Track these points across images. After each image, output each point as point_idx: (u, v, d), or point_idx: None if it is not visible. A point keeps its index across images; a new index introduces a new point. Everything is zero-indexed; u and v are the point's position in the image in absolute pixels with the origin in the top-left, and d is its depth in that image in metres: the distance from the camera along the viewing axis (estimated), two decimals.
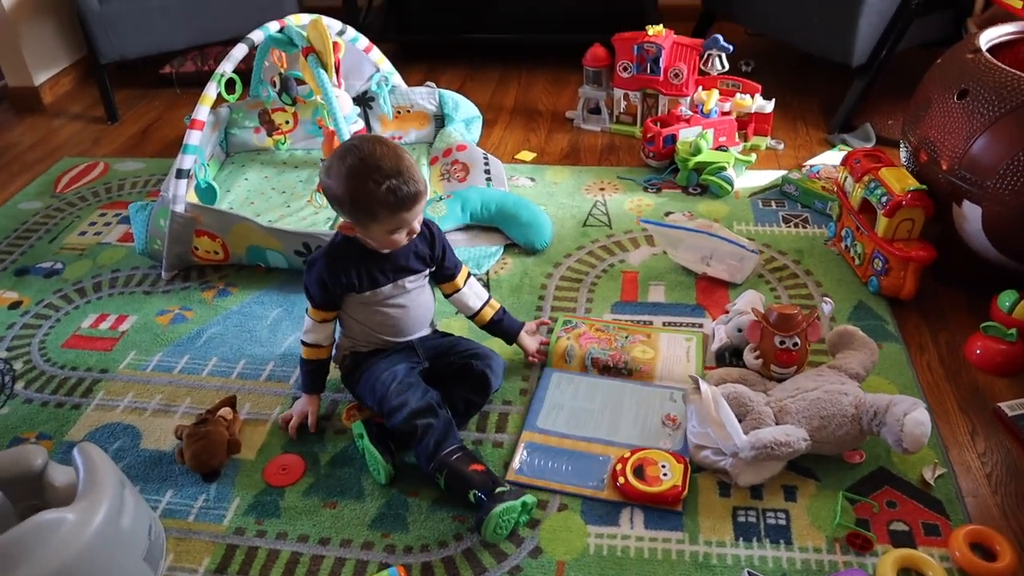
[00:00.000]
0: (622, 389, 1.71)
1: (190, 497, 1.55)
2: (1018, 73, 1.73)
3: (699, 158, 2.37)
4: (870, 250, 1.93)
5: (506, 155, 2.69)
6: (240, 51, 2.17)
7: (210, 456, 1.57)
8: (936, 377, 1.73)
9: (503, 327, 1.77)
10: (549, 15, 3.44)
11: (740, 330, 1.73)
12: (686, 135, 2.45)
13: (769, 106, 2.57)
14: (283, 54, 2.32)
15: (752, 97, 2.57)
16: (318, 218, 2.30)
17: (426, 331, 1.71)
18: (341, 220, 1.52)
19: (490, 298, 1.76)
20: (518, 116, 2.99)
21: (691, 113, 2.52)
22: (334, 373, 1.71)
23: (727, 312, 1.87)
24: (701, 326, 1.89)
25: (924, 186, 1.85)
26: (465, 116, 2.66)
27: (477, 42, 3.48)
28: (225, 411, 1.67)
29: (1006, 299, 1.78)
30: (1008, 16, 2.28)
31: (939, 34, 2.72)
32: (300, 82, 2.38)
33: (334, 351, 1.68)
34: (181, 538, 1.48)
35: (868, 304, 1.92)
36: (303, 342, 1.64)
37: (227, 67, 2.16)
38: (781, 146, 2.63)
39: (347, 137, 2.02)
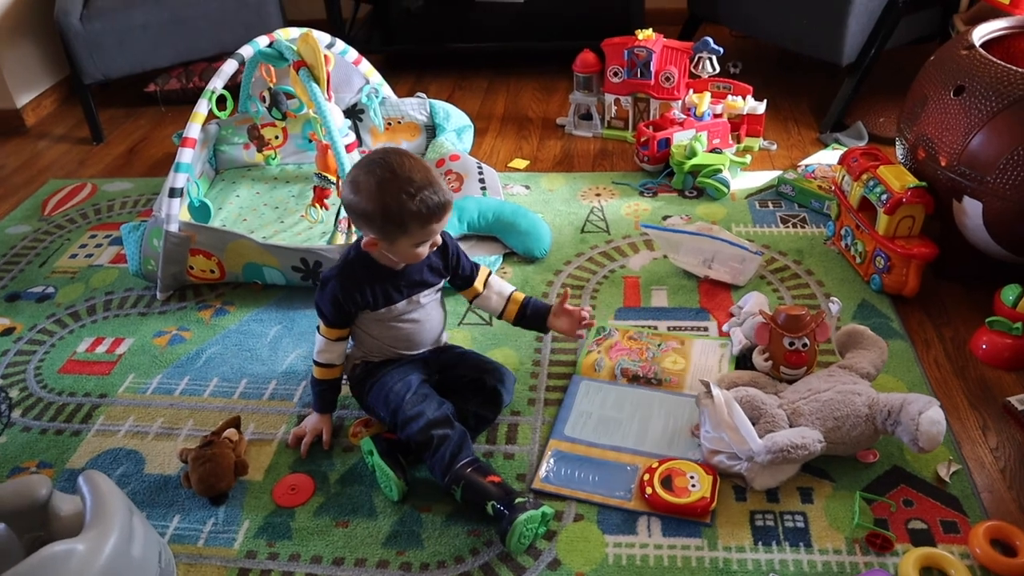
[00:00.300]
0: (651, 398, 1.69)
1: (198, 521, 1.52)
2: (1014, 68, 1.73)
3: (694, 161, 2.37)
4: (871, 248, 1.93)
5: (499, 163, 2.68)
6: (230, 67, 2.15)
7: (217, 479, 1.54)
8: (944, 373, 1.73)
9: (532, 322, 1.70)
10: (534, 23, 3.45)
11: None
12: (680, 138, 2.45)
13: (761, 107, 2.58)
14: (272, 68, 2.30)
15: (743, 99, 2.58)
16: (313, 233, 2.28)
17: (437, 343, 1.68)
18: (365, 238, 1.48)
19: (512, 293, 1.70)
20: (509, 124, 2.98)
21: (684, 116, 2.51)
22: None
23: (733, 315, 1.87)
24: (706, 329, 1.88)
25: (923, 183, 1.85)
26: (456, 126, 2.64)
27: (464, 51, 3.48)
28: (230, 432, 1.64)
29: (1009, 293, 1.78)
30: (993, 12, 2.30)
31: (926, 31, 2.74)
32: (289, 96, 2.35)
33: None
34: (192, 564, 1.45)
35: (871, 302, 1.92)
36: (316, 362, 1.61)
37: (218, 83, 2.13)
38: (774, 147, 2.64)
39: (343, 150, 2.00)
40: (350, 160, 2.13)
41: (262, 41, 2.17)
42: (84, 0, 2.97)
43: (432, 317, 1.63)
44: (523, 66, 3.42)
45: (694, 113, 2.52)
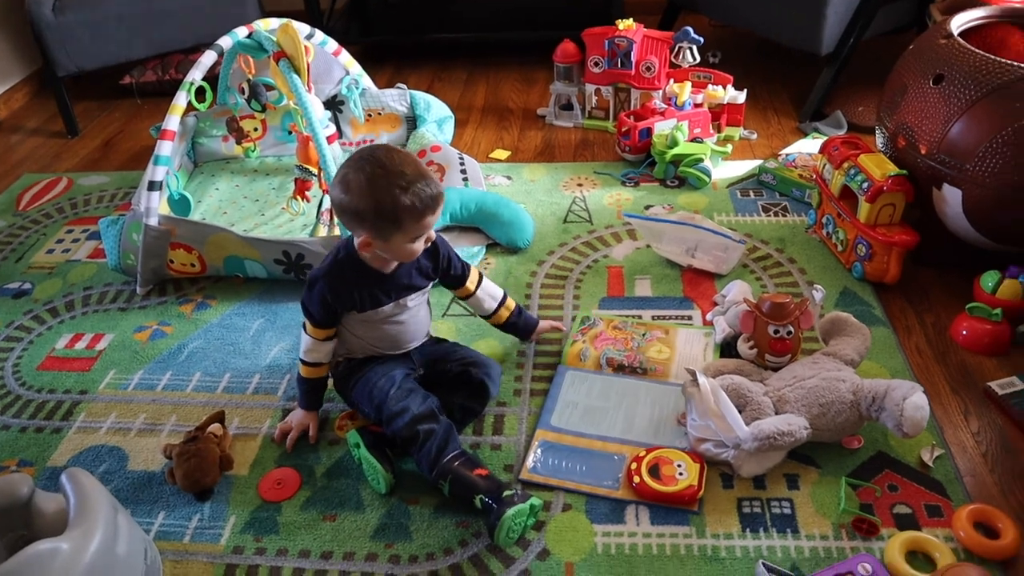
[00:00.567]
0: (637, 387, 1.70)
1: (184, 518, 1.51)
2: (993, 57, 1.75)
3: (676, 150, 2.37)
4: (853, 236, 1.95)
5: (480, 154, 2.67)
6: (209, 58, 2.12)
7: (203, 474, 1.53)
8: (925, 359, 1.75)
9: (519, 328, 1.78)
10: (514, 13, 3.44)
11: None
12: (661, 128, 2.45)
13: (741, 97, 2.58)
14: (251, 60, 2.27)
15: (724, 88, 2.58)
16: (294, 225, 2.26)
17: (422, 340, 1.68)
18: (358, 239, 1.46)
19: (505, 298, 1.74)
20: (489, 115, 2.97)
21: (665, 106, 2.52)
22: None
23: (716, 304, 1.88)
24: (690, 318, 1.88)
25: (904, 171, 1.87)
26: (437, 117, 2.63)
27: (443, 42, 3.46)
28: (215, 427, 1.63)
29: (988, 280, 1.81)
30: (970, 1, 2.32)
31: (904, 21, 2.76)
32: (268, 88, 2.33)
33: None
34: (178, 560, 1.43)
35: (853, 289, 1.93)
36: (303, 361, 1.59)
37: (196, 75, 2.10)
38: (754, 136, 2.65)
39: (324, 142, 1.98)
40: (332, 152, 2.12)
41: (241, 32, 2.14)
42: None
43: (418, 318, 1.63)
44: (503, 57, 3.41)
45: (675, 103, 2.52)
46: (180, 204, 2.17)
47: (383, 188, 1.37)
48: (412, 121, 2.65)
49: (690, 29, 2.57)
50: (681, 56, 2.62)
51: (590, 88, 2.74)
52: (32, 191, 2.66)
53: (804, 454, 1.52)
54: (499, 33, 3.38)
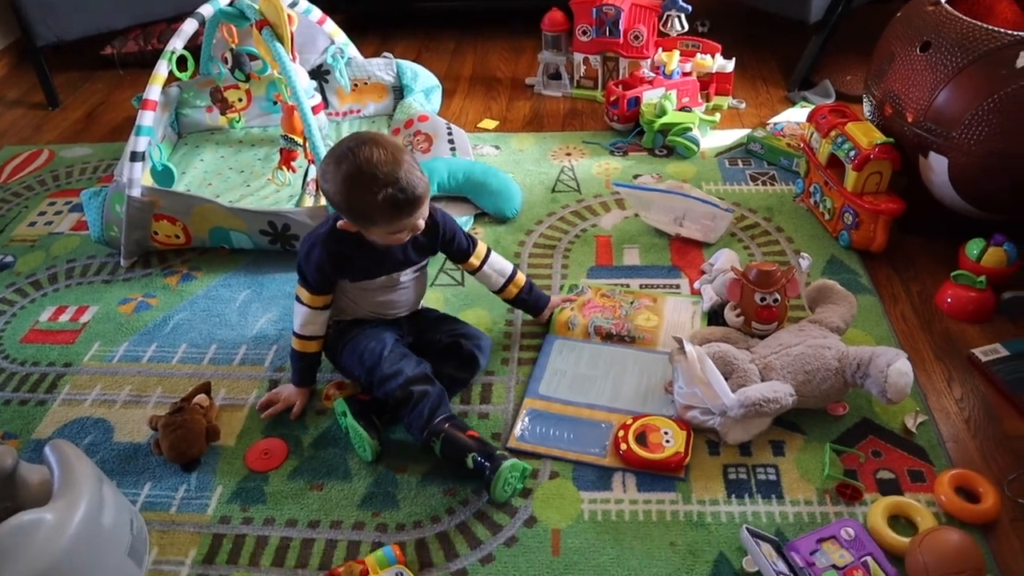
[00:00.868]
0: (625, 355, 1.70)
1: (170, 488, 1.51)
2: (979, 24, 1.74)
3: (664, 120, 2.36)
4: (840, 205, 1.95)
5: (468, 124, 2.65)
6: (190, 26, 2.09)
7: (189, 445, 1.53)
8: (910, 327, 1.76)
9: (528, 305, 1.76)
10: None
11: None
12: (650, 97, 2.44)
13: (730, 65, 2.57)
14: (233, 29, 2.24)
15: (712, 57, 2.57)
16: (280, 196, 2.24)
17: (413, 309, 1.67)
18: (341, 221, 1.45)
19: (515, 274, 1.71)
20: (477, 84, 2.94)
21: (653, 75, 2.50)
22: None
23: (704, 272, 1.88)
24: (678, 287, 1.88)
25: (891, 139, 1.86)
26: (424, 86, 2.60)
27: (430, 10, 3.42)
28: (200, 398, 1.62)
29: (974, 247, 1.81)
30: None
31: None
32: (253, 57, 2.30)
33: None
34: (165, 531, 1.43)
35: (840, 258, 1.94)
36: (299, 335, 1.57)
37: (177, 44, 2.07)
38: (743, 105, 2.63)
39: (309, 112, 1.95)
40: (317, 122, 2.09)
41: (222, 0, 2.11)
42: None
43: (412, 288, 1.62)
44: (491, 26, 3.37)
45: (663, 72, 2.50)
46: (164, 175, 2.15)
47: (356, 190, 1.36)
48: (399, 91, 2.62)
49: None
50: (669, 25, 2.60)
51: (578, 57, 2.72)
52: (13, 163, 2.63)
53: (789, 421, 1.53)
54: (487, 1, 3.35)
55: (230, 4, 2.12)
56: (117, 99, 3.02)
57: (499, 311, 1.83)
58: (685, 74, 2.53)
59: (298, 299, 1.55)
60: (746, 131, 2.44)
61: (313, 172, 2.02)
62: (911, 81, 1.83)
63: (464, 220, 2.12)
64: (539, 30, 2.75)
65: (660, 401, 1.59)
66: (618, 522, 1.39)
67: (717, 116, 2.51)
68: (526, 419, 1.57)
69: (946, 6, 1.83)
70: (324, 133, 2.34)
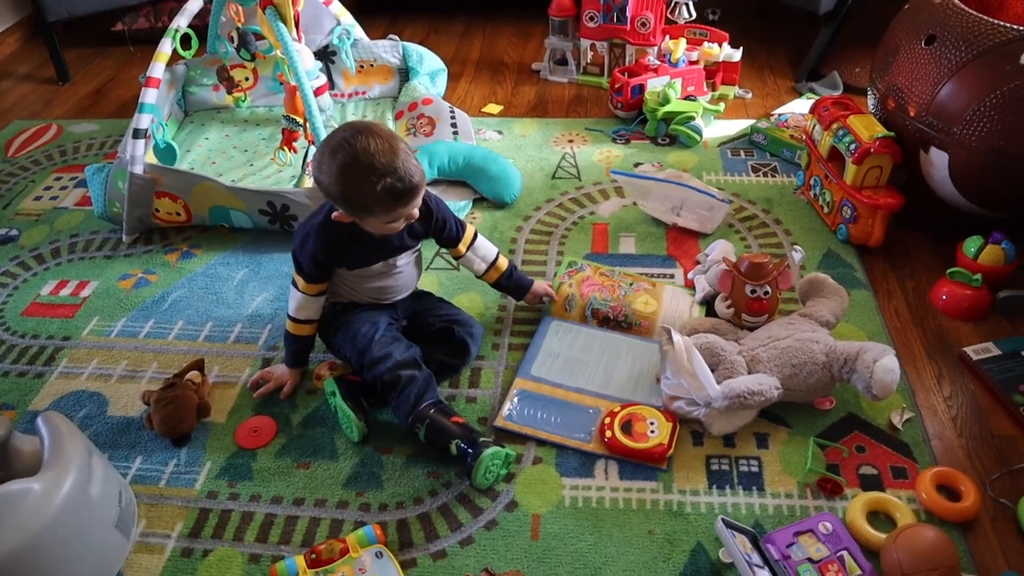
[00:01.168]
0: (620, 342, 1.70)
1: (160, 463, 1.53)
2: (985, 18, 1.72)
3: (667, 108, 2.35)
4: (839, 198, 1.94)
5: (472, 108, 2.65)
6: (195, 5, 2.10)
7: (179, 421, 1.55)
8: (904, 323, 1.75)
9: (510, 288, 1.75)
10: None
11: None
12: (654, 85, 2.43)
13: (737, 55, 2.55)
14: (240, 8, 2.24)
15: (719, 46, 2.55)
16: (282, 176, 2.25)
17: (409, 292, 1.68)
18: (336, 212, 1.45)
19: (497, 259, 1.72)
20: (484, 69, 2.94)
21: (659, 63, 2.49)
22: None
23: (699, 263, 1.88)
24: (672, 277, 1.88)
25: (892, 133, 1.85)
26: (430, 69, 2.60)
27: None
28: (193, 374, 1.64)
29: (971, 245, 1.80)
30: None
31: None
32: (259, 37, 2.30)
33: None
34: (153, 504, 1.46)
35: (837, 252, 1.93)
36: (294, 318, 1.58)
37: (181, 22, 2.09)
38: (749, 95, 2.62)
39: (309, 92, 1.96)
40: (321, 102, 2.11)
41: None
42: None
43: (407, 273, 1.63)
44: (501, 10, 3.36)
45: (669, 59, 2.49)
46: (166, 153, 2.16)
47: (352, 181, 1.35)
48: (404, 73, 2.62)
49: None
50: (677, 12, 2.58)
51: (585, 43, 2.71)
52: (21, 138, 2.65)
53: (775, 414, 1.53)
54: None
55: None
56: (126, 76, 3.04)
57: (492, 296, 1.84)
58: (691, 62, 2.51)
59: (294, 284, 1.56)
60: (751, 121, 2.43)
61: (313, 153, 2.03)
62: (915, 75, 1.81)
63: (463, 204, 2.13)
64: (547, 15, 2.74)
65: (650, 390, 1.60)
66: (598, 509, 1.40)
67: (721, 106, 2.50)
68: (515, 399, 1.58)
69: None
70: (328, 115, 2.35)
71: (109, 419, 1.63)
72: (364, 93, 2.64)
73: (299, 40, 2.10)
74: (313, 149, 2.06)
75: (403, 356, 1.52)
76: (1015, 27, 1.67)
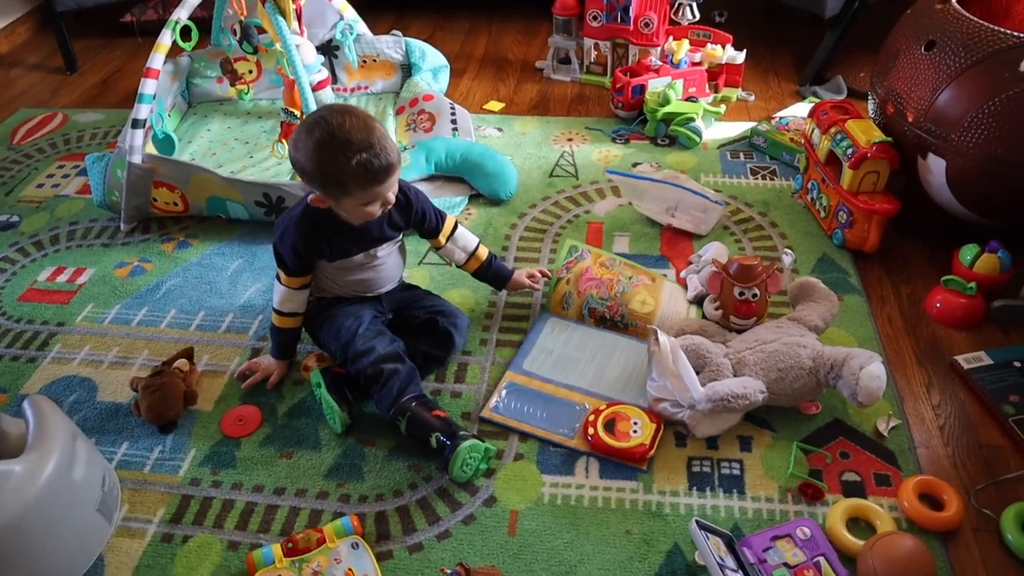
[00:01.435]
0: (615, 342, 1.70)
1: (146, 449, 1.54)
2: (985, 24, 1.70)
3: (667, 109, 2.34)
4: (835, 202, 1.93)
5: (474, 105, 2.65)
6: None
7: (166, 408, 1.56)
8: (896, 330, 1.74)
9: (490, 277, 1.76)
10: None
11: None
12: (655, 86, 2.42)
13: (740, 57, 2.54)
14: (243, 1, 2.25)
15: (723, 48, 2.54)
16: (281, 168, 2.26)
17: (393, 285, 1.69)
18: (312, 195, 1.46)
19: (477, 249, 1.72)
20: (488, 66, 2.94)
21: (661, 63, 2.48)
22: None
23: (691, 263, 1.87)
24: (665, 277, 1.88)
25: (889, 138, 1.83)
26: (432, 65, 2.61)
27: None
28: (181, 362, 1.65)
29: (967, 253, 1.78)
30: None
31: None
32: (261, 30, 2.31)
33: None
34: (136, 489, 1.47)
35: (832, 256, 1.92)
36: (279, 311, 1.59)
37: (182, 14, 2.10)
38: (752, 98, 2.61)
39: (307, 86, 1.97)
40: (322, 97, 2.11)
41: None
42: None
43: (389, 265, 1.63)
44: (507, 8, 3.36)
45: (671, 60, 2.48)
46: (165, 143, 2.18)
47: (329, 156, 1.35)
48: (407, 69, 2.63)
49: None
50: (681, 13, 2.57)
51: (588, 43, 2.71)
52: (27, 125, 2.68)
53: (760, 417, 1.53)
54: None
55: None
56: (133, 67, 3.06)
57: (483, 292, 1.84)
58: (694, 64, 2.50)
59: (277, 278, 1.57)
60: (752, 124, 2.42)
61: None
62: (914, 80, 1.80)
63: (458, 200, 2.13)
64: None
65: (639, 391, 1.59)
66: (577, 507, 1.39)
67: (722, 108, 2.49)
68: (504, 392, 1.58)
69: (954, 4, 1.79)
70: None
71: (98, 404, 1.64)
72: (366, 88, 2.65)
73: (301, 34, 2.11)
74: None
75: (386, 350, 1.53)
76: (1015, 34, 1.66)
